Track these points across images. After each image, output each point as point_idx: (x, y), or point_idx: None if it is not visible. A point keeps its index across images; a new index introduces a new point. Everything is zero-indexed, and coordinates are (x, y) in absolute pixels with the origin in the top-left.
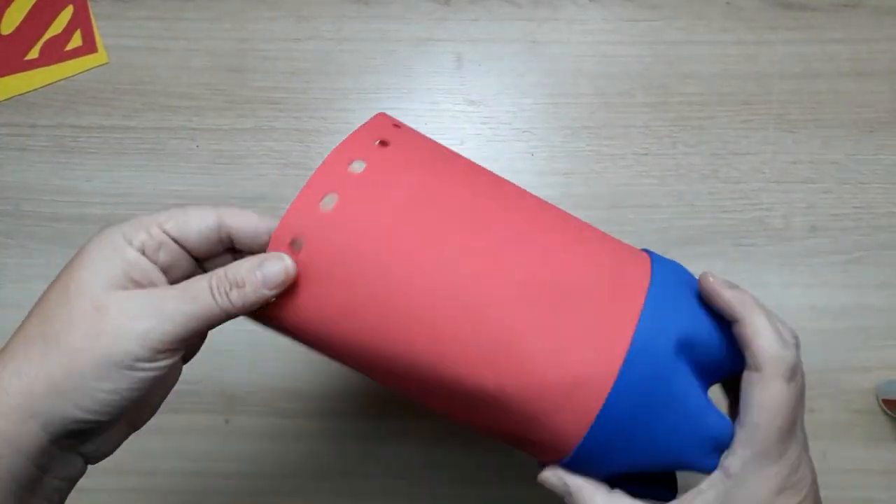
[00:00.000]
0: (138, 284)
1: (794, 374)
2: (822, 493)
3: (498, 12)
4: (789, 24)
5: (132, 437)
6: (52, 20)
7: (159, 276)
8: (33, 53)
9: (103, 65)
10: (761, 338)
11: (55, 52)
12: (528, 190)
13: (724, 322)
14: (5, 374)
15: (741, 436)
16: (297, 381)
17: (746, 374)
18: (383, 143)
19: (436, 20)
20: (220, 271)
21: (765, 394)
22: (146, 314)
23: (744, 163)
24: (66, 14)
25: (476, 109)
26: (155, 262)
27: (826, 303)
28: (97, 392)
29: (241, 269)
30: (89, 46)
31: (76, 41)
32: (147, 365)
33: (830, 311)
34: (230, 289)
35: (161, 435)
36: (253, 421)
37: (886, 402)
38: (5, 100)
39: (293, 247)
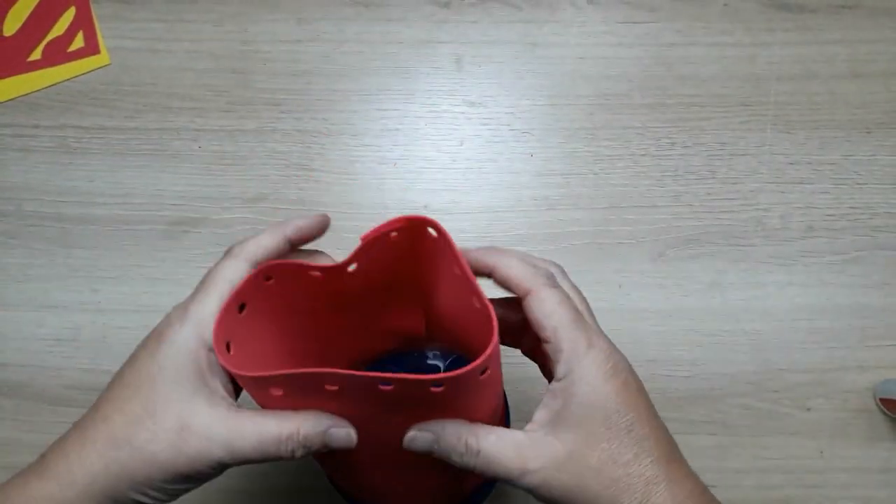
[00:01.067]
0: (209, 386)
1: (552, 278)
2: (821, 492)
3: (497, 14)
4: (787, 26)
5: None
6: (55, 22)
7: (221, 373)
8: (36, 55)
9: (106, 66)
10: (512, 269)
11: (58, 54)
12: (528, 191)
13: None
14: (83, 471)
15: (549, 348)
16: None
17: (524, 307)
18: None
19: (436, 22)
20: (295, 429)
21: (541, 306)
22: (220, 448)
23: (741, 163)
24: (69, 15)
25: (475, 111)
26: None
27: (823, 303)
28: (159, 492)
29: (314, 431)
30: (92, 48)
31: (78, 42)
32: (204, 478)
33: (828, 311)
34: (298, 447)
35: None
36: None
37: (884, 401)
38: (8, 101)
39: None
